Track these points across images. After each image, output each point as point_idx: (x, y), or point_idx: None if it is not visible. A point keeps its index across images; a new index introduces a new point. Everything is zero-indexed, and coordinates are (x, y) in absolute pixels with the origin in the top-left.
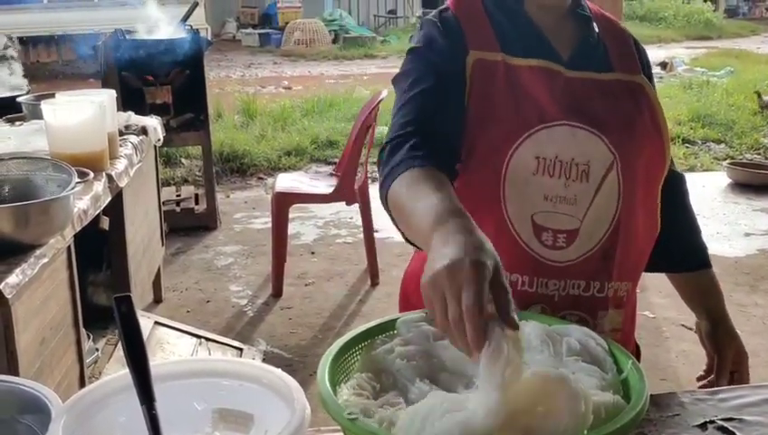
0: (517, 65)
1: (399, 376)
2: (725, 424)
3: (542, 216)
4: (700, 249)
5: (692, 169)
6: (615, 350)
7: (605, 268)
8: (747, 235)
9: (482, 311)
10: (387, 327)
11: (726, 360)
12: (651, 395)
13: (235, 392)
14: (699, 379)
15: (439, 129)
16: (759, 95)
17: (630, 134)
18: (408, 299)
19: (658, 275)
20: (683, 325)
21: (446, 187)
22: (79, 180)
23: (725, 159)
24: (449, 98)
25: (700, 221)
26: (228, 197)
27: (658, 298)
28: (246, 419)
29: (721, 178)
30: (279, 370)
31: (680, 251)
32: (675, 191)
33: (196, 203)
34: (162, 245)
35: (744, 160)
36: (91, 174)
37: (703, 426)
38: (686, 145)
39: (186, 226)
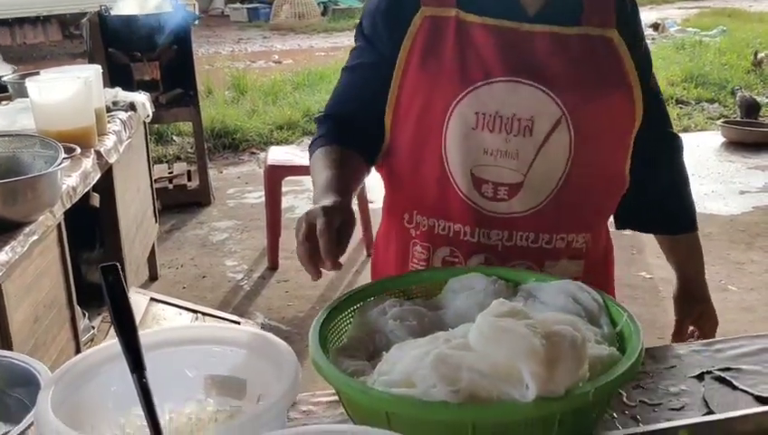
0: (470, 21)
1: (393, 337)
2: (722, 374)
3: (481, 169)
4: (681, 213)
5: (686, 130)
6: (609, 303)
7: (555, 221)
8: (742, 192)
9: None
10: (376, 290)
11: (684, 323)
12: (648, 348)
13: (227, 358)
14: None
15: (360, 110)
16: (755, 54)
17: (590, 90)
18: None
19: (654, 237)
20: None
21: (339, 166)
22: (66, 156)
23: (719, 119)
24: (381, 75)
25: (695, 181)
26: (221, 172)
27: (655, 259)
28: (239, 384)
29: (715, 138)
30: (269, 334)
31: (660, 213)
32: (662, 152)
33: (189, 180)
34: (156, 222)
35: (738, 119)
36: (78, 149)
37: (700, 377)
38: (680, 106)
39: (179, 202)
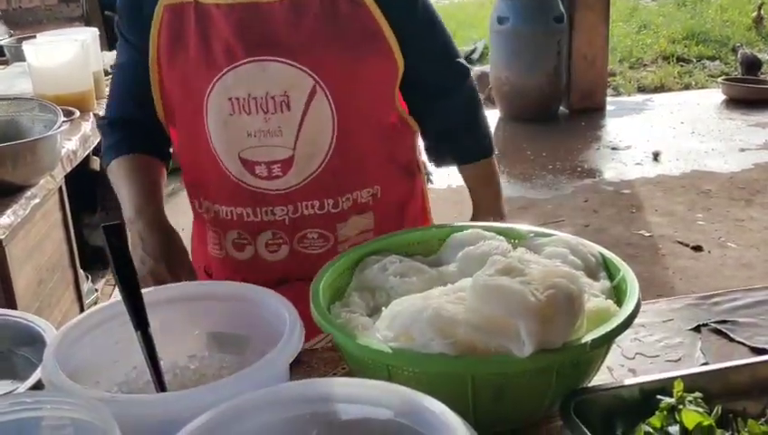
0: (208, 4)
1: (393, 293)
2: (719, 327)
3: (249, 151)
4: (473, 143)
5: (687, 88)
6: (607, 258)
7: (336, 185)
8: (742, 150)
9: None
10: (376, 247)
11: None
12: (645, 303)
13: (230, 315)
14: None
15: (138, 109)
16: (758, 10)
17: (338, 51)
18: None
19: (653, 196)
20: (679, 242)
21: (141, 178)
22: (65, 119)
23: (720, 76)
24: (143, 72)
25: (696, 138)
26: None
27: (654, 217)
28: (242, 340)
29: (716, 95)
30: (271, 290)
31: (454, 144)
32: (448, 84)
33: None
34: None
35: (739, 76)
36: (77, 112)
37: (696, 329)
38: (681, 63)
39: (179, 166)
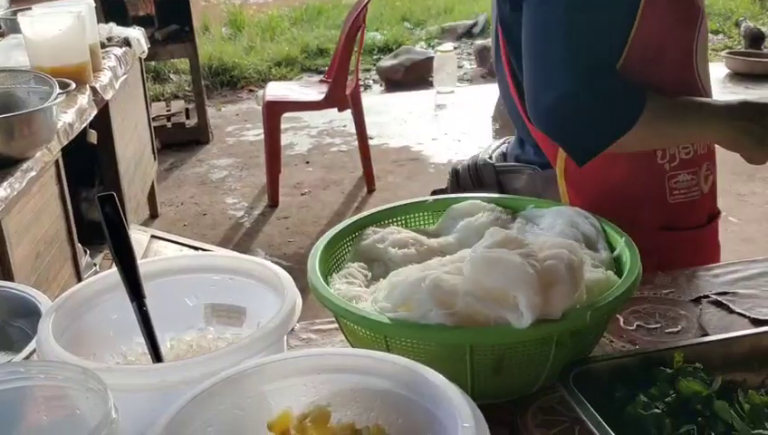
0: None
1: (391, 264)
2: (719, 298)
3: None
4: None
5: None
6: (607, 228)
7: None
8: None
9: None
10: (375, 218)
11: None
12: (645, 274)
13: (227, 287)
14: None
15: (610, 50)
16: None
17: None
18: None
19: None
20: None
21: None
22: (61, 91)
23: (723, 50)
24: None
25: None
26: (219, 110)
27: None
28: (239, 312)
29: (719, 69)
30: (268, 262)
31: None
32: None
33: (187, 117)
34: (155, 160)
35: (742, 49)
36: (73, 85)
37: (697, 301)
38: None
39: (178, 141)
